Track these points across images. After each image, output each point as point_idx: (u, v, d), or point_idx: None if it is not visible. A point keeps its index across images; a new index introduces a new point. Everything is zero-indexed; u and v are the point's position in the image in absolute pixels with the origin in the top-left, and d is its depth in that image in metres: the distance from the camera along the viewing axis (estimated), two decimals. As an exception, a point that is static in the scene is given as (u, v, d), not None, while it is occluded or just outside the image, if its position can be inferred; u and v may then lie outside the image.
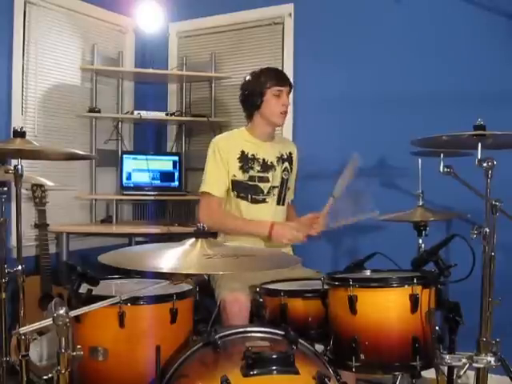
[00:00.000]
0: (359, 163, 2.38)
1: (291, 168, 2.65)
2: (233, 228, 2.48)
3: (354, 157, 2.39)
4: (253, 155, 2.52)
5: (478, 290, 1.87)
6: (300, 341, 1.62)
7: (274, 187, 2.55)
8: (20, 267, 2.01)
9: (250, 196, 2.50)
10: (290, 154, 2.66)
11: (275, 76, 2.51)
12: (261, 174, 2.52)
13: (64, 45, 3.68)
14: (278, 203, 2.57)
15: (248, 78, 2.55)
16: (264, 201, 2.52)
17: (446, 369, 1.86)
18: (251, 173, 2.51)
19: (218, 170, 2.47)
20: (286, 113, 2.52)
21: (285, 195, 2.60)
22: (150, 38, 4.12)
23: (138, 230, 3.78)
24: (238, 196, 2.50)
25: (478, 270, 1.88)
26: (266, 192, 2.53)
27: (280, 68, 3.68)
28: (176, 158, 4.00)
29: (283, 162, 2.60)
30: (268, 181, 2.54)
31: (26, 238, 3.32)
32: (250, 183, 2.50)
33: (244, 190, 2.49)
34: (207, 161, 2.51)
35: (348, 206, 2.42)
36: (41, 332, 2.80)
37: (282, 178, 2.59)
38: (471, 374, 2.26)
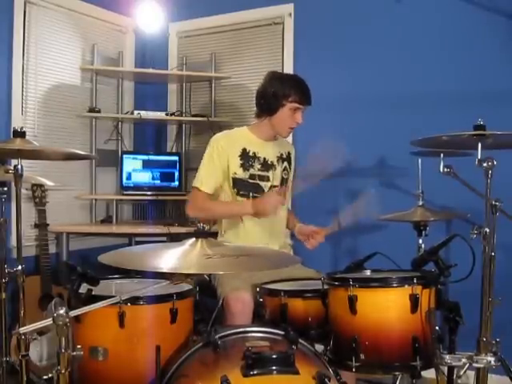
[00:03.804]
0: (374, 201, 2.31)
1: (290, 168, 2.65)
2: (218, 212, 2.52)
3: (368, 193, 2.35)
4: (254, 153, 2.51)
5: (478, 290, 1.88)
6: (300, 341, 1.62)
7: (274, 186, 2.54)
8: (20, 267, 2.00)
9: (251, 194, 2.48)
10: (289, 153, 2.66)
11: (301, 92, 2.43)
12: (261, 173, 2.51)
13: (64, 45, 3.68)
14: (278, 202, 2.57)
15: (274, 79, 2.47)
16: None
17: (446, 369, 1.86)
18: (252, 171, 2.50)
19: (212, 167, 2.46)
20: (293, 129, 2.51)
21: (284, 195, 2.59)
22: (150, 38, 4.12)
23: (137, 230, 3.78)
24: (238, 194, 2.48)
25: (477, 270, 1.88)
26: (266, 191, 2.51)
27: (280, 68, 3.69)
28: (176, 158, 4.00)
29: (283, 162, 2.60)
30: (268, 180, 2.53)
31: (26, 237, 3.32)
32: (251, 181, 2.49)
33: (245, 187, 2.48)
34: (203, 156, 2.50)
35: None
36: (41, 332, 2.80)
37: (282, 177, 2.58)
38: (471, 373, 2.26)
